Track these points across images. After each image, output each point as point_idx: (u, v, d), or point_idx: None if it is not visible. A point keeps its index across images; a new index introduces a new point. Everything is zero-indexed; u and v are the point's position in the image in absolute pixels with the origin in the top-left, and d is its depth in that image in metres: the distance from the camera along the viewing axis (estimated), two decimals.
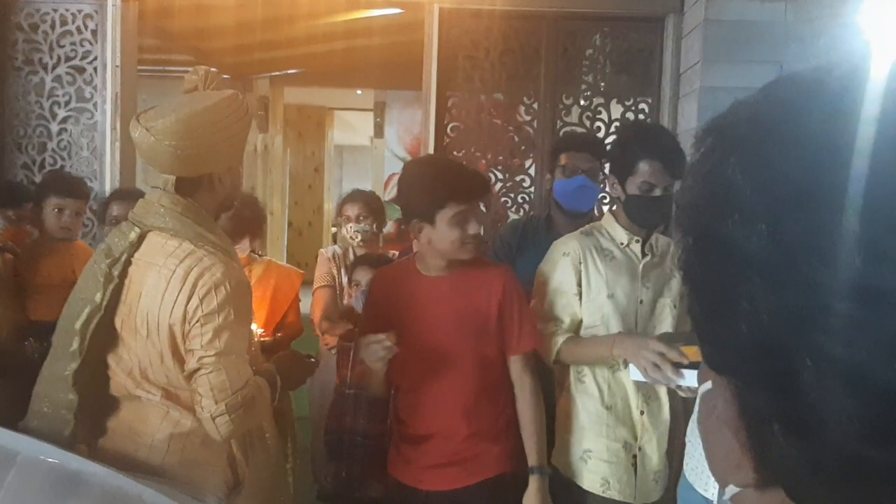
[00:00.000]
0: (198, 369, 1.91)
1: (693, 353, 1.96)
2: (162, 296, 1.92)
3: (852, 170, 0.38)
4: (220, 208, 2.15)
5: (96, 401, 1.98)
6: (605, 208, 3.84)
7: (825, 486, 0.42)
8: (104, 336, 1.97)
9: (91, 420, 1.98)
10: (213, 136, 1.98)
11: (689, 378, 1.98)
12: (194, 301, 1.90)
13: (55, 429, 1.93)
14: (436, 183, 2.26)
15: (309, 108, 10.22)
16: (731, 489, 0.49)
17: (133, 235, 1.98)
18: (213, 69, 2.05)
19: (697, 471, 2.10)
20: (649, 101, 4.12)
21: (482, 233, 2.31)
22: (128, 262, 1.97)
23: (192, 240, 1.98)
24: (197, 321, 1.90)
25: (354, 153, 12.98)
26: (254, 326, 2.92)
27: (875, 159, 0.38)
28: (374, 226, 3.55)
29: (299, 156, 10.51)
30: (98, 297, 1.94)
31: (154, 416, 1.99)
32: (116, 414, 2.02)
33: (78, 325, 1.94)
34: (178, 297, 1.91)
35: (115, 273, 1.95)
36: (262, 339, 3.01)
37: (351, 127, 11.52)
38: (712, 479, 1.94)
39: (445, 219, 2.20)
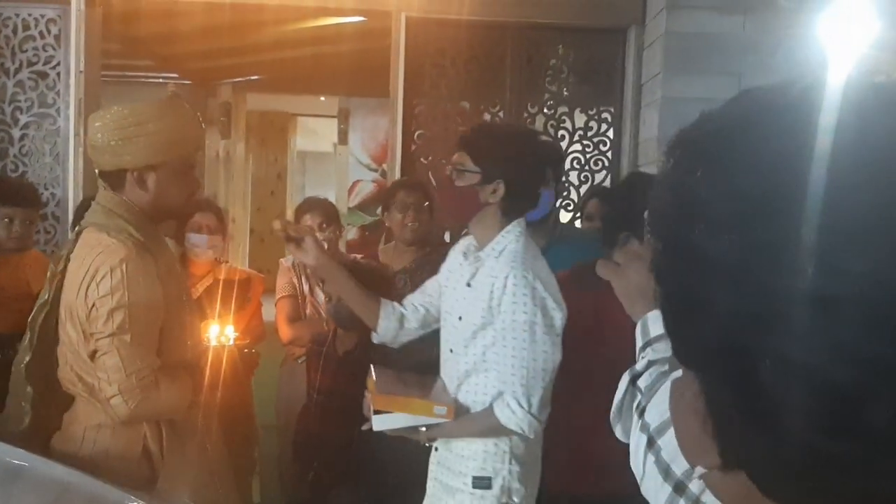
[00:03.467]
0: (95, 351, 1.96)
1: (382, 401, 2.07)
2: (78, 285, 1.98)
3: (808, 183, 0.41)
4: (165, 210, 2.16)
5: (52, 399, 2.10)
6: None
7: (785, 474, 0.45)
8: (53, 333, 2.09)
9: (46, 417, 2.10)
10: (126, 131, 2.02)
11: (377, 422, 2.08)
12: (93, 286, 1.95)
13: (15, 421, 2.05)
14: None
15: (272, 114, 10.16)
16: (700, 468, 0.52)
17: (72, 234, 2.11)
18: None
19: None
20: (612, 110, 4.19)
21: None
22: (68, 259, 2.05)
23: (113, 232, 2.01)
24: (94, 304, 1.95)
25: (317, 160, 12.90)
26: (230, 330, 2.92)
27: (830, 173, 0.41)
28: (337, 232, 3.56)
29: (262, 162, 10.44)
30: (46, 294, 2.08)
31: (80, 411, 2.08)
32: (64, 410, 2.13)
33: (29, 319, 2.09)
34: (81, 283, 1.97)
35: (59, 270, 2.06)
36: (238, 342, 3.00)
37: (314, 133, 11.47)
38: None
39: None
